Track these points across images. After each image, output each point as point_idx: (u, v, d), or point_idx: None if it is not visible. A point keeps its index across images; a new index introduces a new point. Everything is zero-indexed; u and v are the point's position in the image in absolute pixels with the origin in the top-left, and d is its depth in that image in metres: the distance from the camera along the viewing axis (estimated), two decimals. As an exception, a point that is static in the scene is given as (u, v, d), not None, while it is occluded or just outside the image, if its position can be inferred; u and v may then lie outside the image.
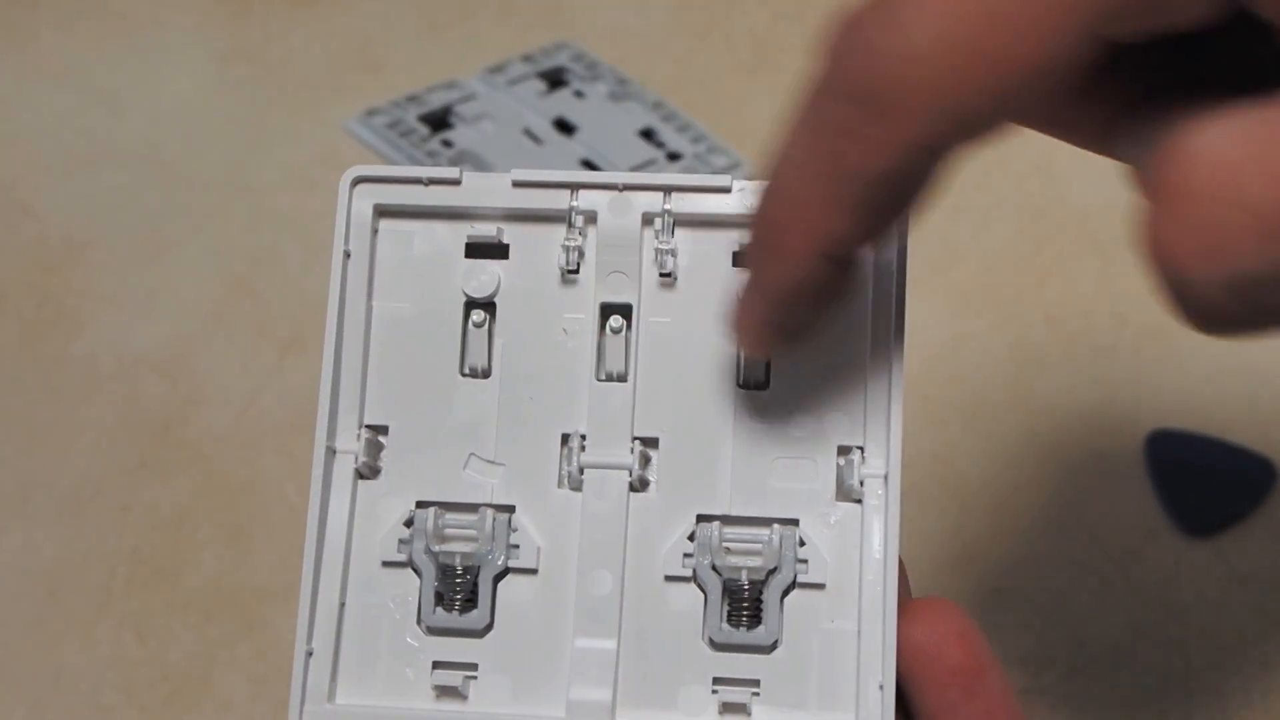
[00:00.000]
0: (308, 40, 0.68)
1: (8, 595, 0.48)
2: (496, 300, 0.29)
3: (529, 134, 0.61)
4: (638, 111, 0.63)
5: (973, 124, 0.22)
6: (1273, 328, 0.21)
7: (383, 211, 0.29)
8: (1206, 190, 0.20)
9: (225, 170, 0.62)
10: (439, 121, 0.62)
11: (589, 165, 0.60)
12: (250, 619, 0.48)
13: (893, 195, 0.23)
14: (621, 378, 0.29)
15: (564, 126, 0.62)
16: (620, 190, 0.29)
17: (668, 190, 0.29)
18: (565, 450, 0.29)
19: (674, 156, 0.61)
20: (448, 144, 0.61)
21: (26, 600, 0.48)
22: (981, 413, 0.53)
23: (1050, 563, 0.48)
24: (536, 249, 0.29)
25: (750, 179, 0.29)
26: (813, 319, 0.26)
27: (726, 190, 0.29)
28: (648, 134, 0.62)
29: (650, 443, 0.29)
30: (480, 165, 0.60)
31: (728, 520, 0.28)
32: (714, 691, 0.28)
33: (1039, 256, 0.57)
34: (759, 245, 0.25)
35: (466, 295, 0.29)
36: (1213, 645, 0.46)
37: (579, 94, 0.64)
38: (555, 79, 0.65)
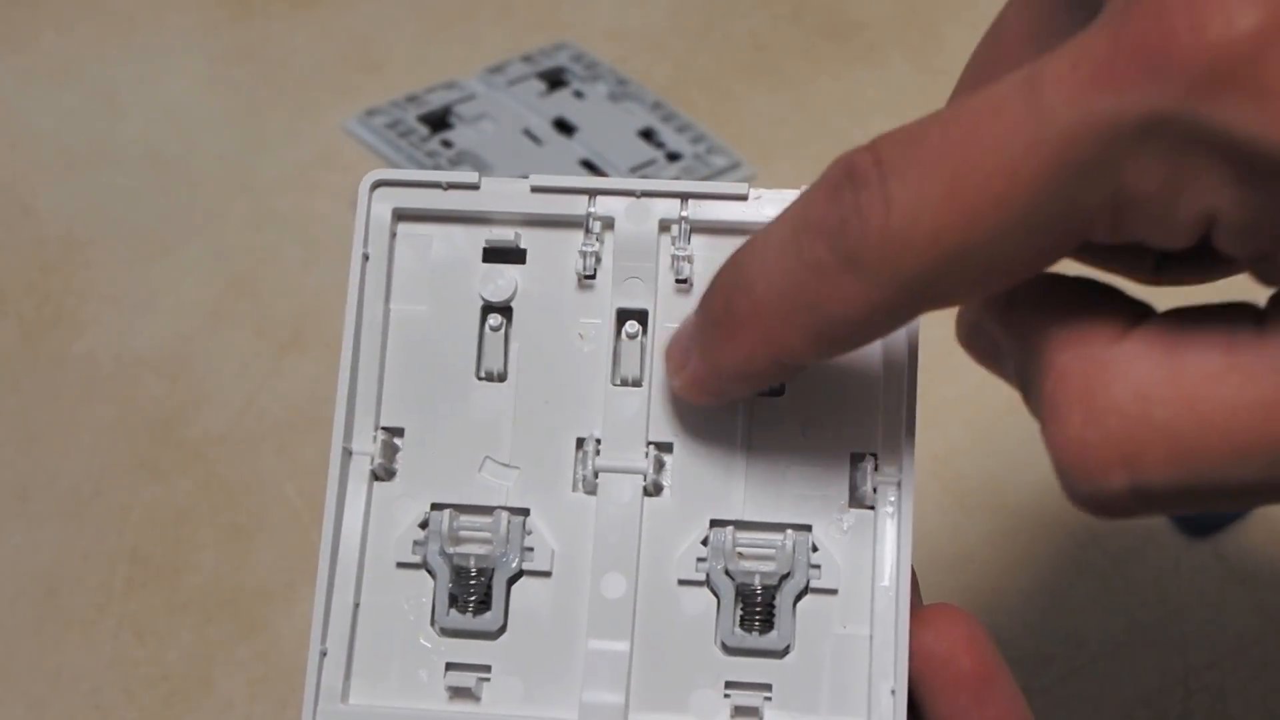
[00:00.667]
0: (308, 40, 0.68)
1: (8, 595, 0.48)
2: (513, 304, 0.29)
3: (529, 134, 0.61)
4: (637, 112, 0.63)
5: (944, 299, 0.22)
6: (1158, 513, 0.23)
7: (401, 215, 0.30)
8: (1119, 404, 0.21)
9: (225, 170, 0.62)
10: (439, 122, 0.62)
11: (589, 165, 0.60)
12: (250, 619, 0.48)
13: (853, 338, 0.24)
14: (637, 383, 0.29)
15: (564, 127, 0.62)
16: (638, 196, 0.29)
17: (685, 197, 0.29)
18: (580, 454, 0.29)
19: (673, 157, 0.61)
20: (447, 144, 0.61)
21: (26, 600, 0.48)
22: (981, 413, 0.53)
23: (1050, 563, 0.49)
24: (554, 254, 0.29)
25: (764, 187, 0.29)
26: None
27: (743, 198, 0.29)
28: (647, 134, 0.62)
29: (664, 447, 0.29)
30: (480, 166, 0.60)
31: (741, 525, 0.28)
32: (726, 695, 0.28)
33: (1039, 258, 0.57)
34: (715, 325, 0.25)
35: (484, 299, 0.29)
36: (1213, 645, 0.46)
37: (579, 94, 0.64)
38: (555, 79, 0.65)
